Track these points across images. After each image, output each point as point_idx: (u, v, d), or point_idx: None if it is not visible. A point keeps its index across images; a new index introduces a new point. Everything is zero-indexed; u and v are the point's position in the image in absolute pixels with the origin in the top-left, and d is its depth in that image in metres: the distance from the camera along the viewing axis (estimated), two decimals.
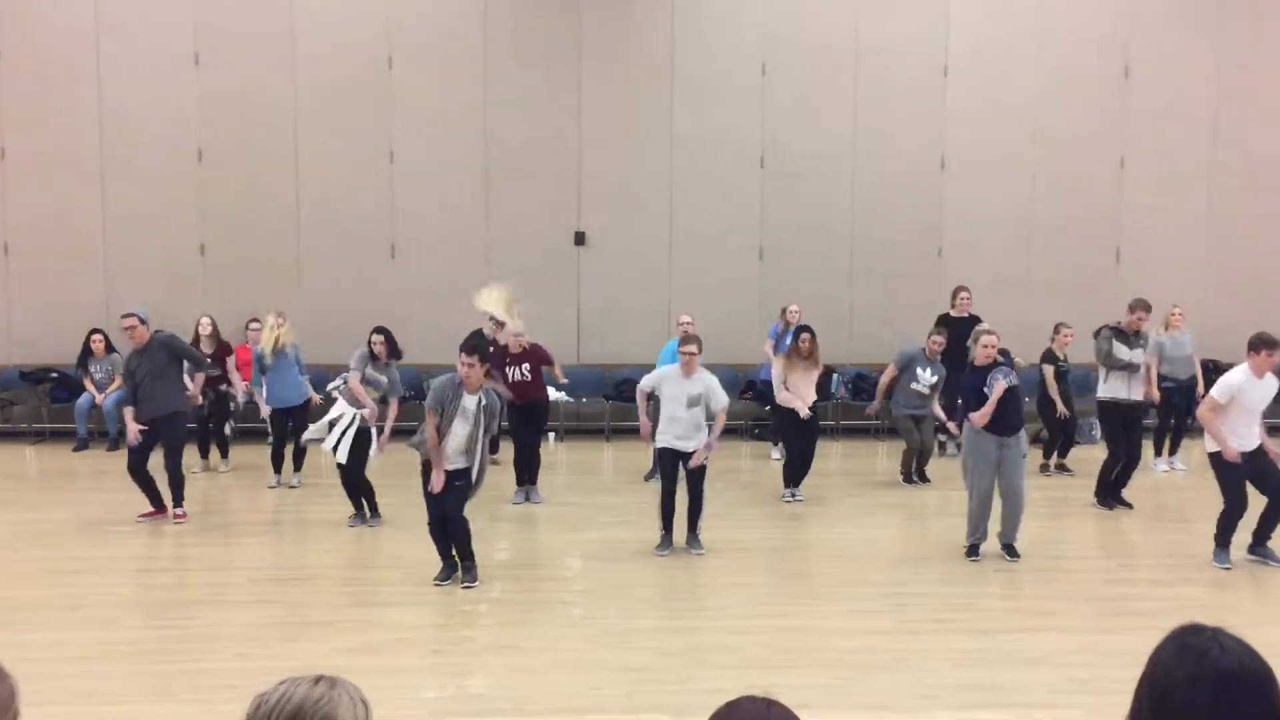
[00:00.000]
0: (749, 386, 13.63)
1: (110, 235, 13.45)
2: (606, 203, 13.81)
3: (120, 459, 11.95)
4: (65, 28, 13.22)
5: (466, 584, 7.58)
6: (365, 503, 9.31)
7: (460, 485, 7.66)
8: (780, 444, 11.94)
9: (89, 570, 8.00)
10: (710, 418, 8.61)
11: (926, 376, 11.01)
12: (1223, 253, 14.07)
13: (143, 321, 9.19)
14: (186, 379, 9.99)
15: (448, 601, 7.36)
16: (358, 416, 9.12)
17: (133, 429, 9.17)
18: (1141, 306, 10.23)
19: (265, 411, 10.97)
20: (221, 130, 13.42)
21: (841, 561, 8.49)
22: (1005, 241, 14.01)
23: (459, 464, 7.63)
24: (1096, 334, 10.30)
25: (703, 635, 6.74)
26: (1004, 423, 8.18)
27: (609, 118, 13.75)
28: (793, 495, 10.26)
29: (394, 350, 9.48)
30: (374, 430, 9.20)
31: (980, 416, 8.17)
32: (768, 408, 13.21)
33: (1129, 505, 9.95)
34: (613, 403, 13.45)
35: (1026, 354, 13.28)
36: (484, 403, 7.61)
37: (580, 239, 13.85)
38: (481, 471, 7.74)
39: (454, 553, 7.69)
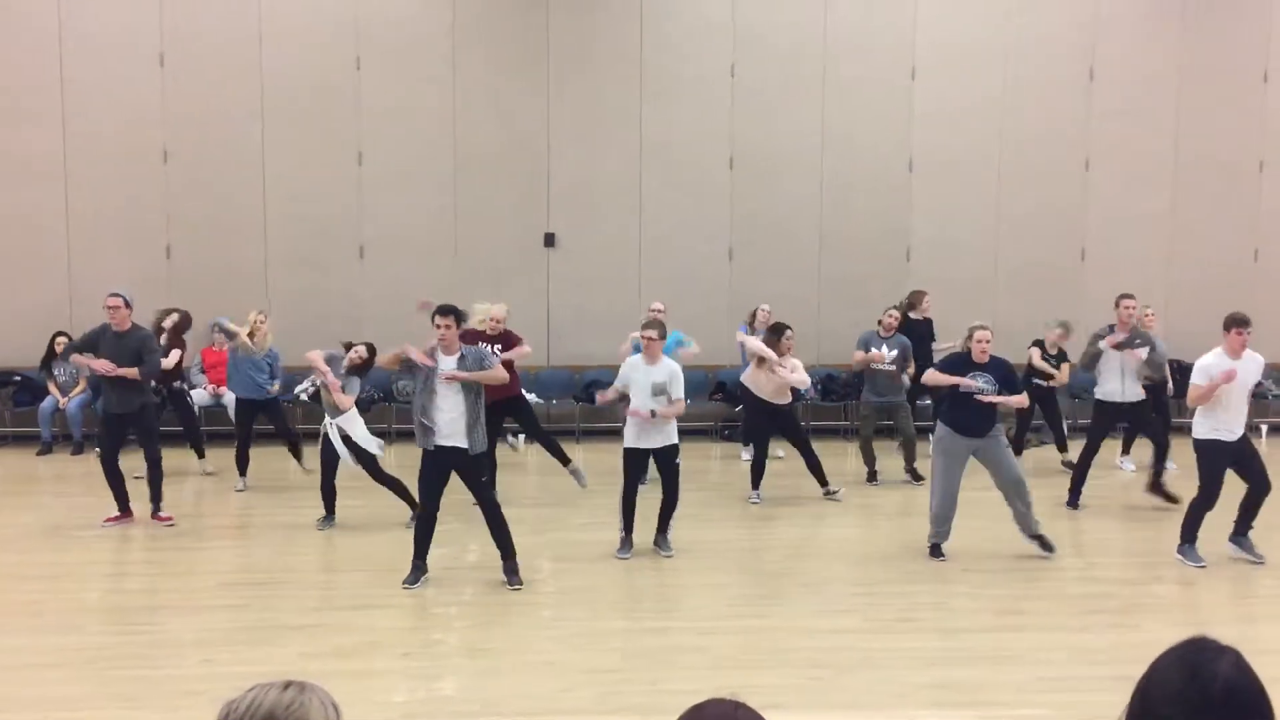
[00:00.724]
0: (719, 387, 13.66)
1: (74, 237, 13.31)
2: (575, 204, 13.80)
3: (85, 463, 11.88)
4: (28, 28, 13.07)
5: (515, 585, 7.56)
6: (404, 498, 9.24)
7: (476, 471, 7.63)
8: (750, 445, 12.00)
9: (52, 575, 7.91)
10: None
11: (886, 354, 11.07)
12: (1185, 251, 14.23)
13: (127, 304, 8.98)
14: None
15: (418, 604, 7.33)
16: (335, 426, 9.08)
17: (100, 363, 8.86)
18: (1125, 296, 10.08)
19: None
20: (187, 132, 13.30)
21: (811, 561, 8.52)
22: (972, 241, 14.11)
23: (459, 441, 7.49)
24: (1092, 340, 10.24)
25: (672, 636, 6.74)
26: (974, 425, 8.17)
27: (578, 118, 13.74)
28: (758, 498, 10.30)
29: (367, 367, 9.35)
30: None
31: (931, 376, 8.38)
32: (738, 408, 13.27)
33: (1174, 499, 9.76)
34: (582, 404, 13.44)
35: (994, 354, 13.38)
36: (466, 357, 7.57)
37: (549, 240, 13.83)
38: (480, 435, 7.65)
39: (427, 557, 7.63)
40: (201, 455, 11.60)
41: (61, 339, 12.62)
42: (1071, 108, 14.10)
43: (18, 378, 13.18)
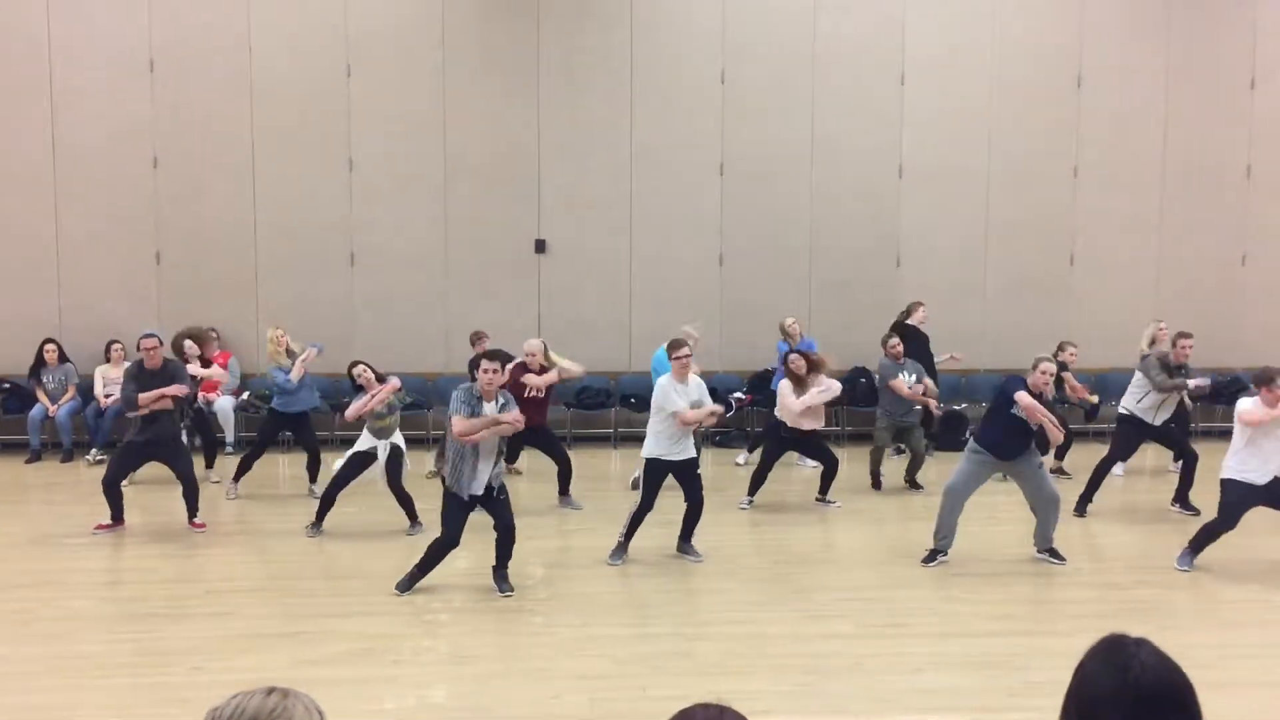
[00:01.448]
0: (710, 393, 13.65)
1: (64, 245, 13.27)
2: (566, 211, 13.80)
3: (74, 471, 11.85)
4: (17, 36, 13.04)
5: (507, 592, 7.65)
6: (408, 511, 9.37)
7: (503, 498, 7.77)
8: (750, 450, 12.04)
9: (41, 583, 7.89)
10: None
11: (908, 379, 11.16)
12: (1174, 256, 14.29)
13: (160, 343, 9.34)
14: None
15: (408, 612, 7.32)
16: (388, 445, 9.27)
17: (151, 396, 9.08)
18: (1184, 336, 10.21)
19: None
20: (177, 140, 13.28)
21: (800, 567, 8.53)
22: (961, 248, 14.15)
23: (481, 487, 7.64)
24: (1144, 358, 10.37)
25: (662, 642, 6.75)
26: (1008, 449, 8.24)
27: (568, 125, 13.75)
28: (749, 504, 10.37)
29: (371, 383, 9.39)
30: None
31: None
32: (729, 414, 13.30)
33: (1195, 510, 9.87)
34: (574, 410, 13.44)
35: (983, 359, 13.47)
36: (503, 404, 7.71)
37: (540, 247, 13.83)
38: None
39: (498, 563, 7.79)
40: (210, 465, 11.60)
41: (50, 346, 12.61)
42: (1060, 114, 14.15)
43: (6, 385, 13.11)
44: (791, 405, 10.05)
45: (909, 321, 12.39)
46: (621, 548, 8.51)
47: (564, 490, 10.40)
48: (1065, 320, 11.99)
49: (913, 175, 14.06)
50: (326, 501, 9.27)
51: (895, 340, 11.39)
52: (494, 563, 7.78)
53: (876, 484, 11.21)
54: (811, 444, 10.49)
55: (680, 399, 8.51)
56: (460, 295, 13.53)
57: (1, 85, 13.04)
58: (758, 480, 10.38)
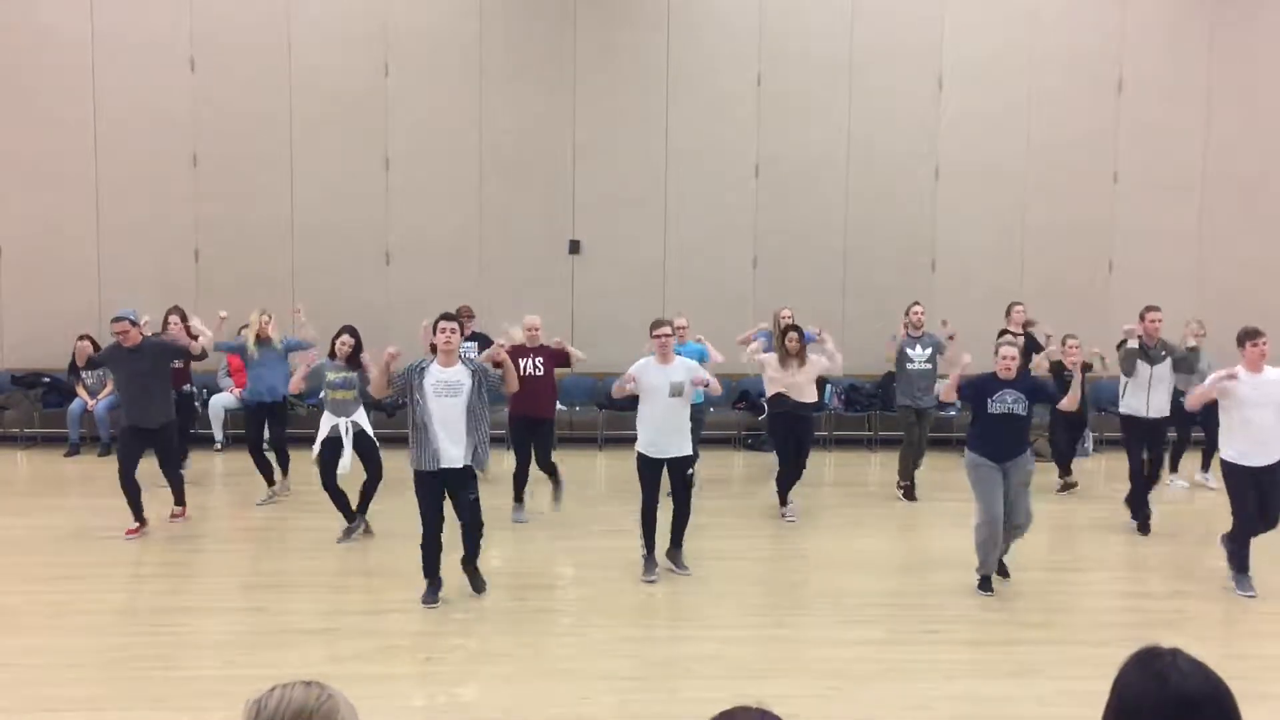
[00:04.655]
0: (742, 396, 13.64)
1: (104, 241, 13.44)
2: (601, 211, 13.82)
3: (112, 465, 11.93)
4: (60, 33, 13.22)
5: (479, 591, 7.58)
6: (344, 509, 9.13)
7: (473, 499, 7.45)
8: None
9: (78, 576, 7.98)
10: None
11: (918, 354, 10.92)
12: (1212, 266, 14.13)
13: (134, 324, 9.03)
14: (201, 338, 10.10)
15: (439, 610, 7.34)
16: (349, 425, 9.04)
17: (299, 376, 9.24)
18: (1151, 309, 9.91)
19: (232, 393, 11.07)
20: (217, 137, 13.42)
21: (832, 572, 8.48)
22: (998, 252, 14.05)
23: (454, 462, 7.28)
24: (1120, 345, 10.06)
25: (692, 645, 6.74)
26: (1001, 451, 7.71)
27: (604, 126, 13.77)
28: (786, 513, 10.02)
29: (355, 357, 9.15)
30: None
31: (948, 390, 8.04)
32: (760, 417, 13.25)
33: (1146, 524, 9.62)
34: (605, 411, 13.45)
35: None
36: (472, 368, 7.35)
37: (575, 247, 13.86)
38: (483, 446, 7.44)
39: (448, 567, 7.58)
40: (184, 457, 11.02)
41: (83, 343, 12.71)
42: (1100, 119, 14.02)
43: (47, 380, 13.31)
44: (770, 373, 9.93)
45: (1009, 327, 11.80)
46: (650, 561, 8.17)
47: (556, 494, 10.00)
48: (1103, 328, 11.82)
49: (949, 179, 13.98)
50: (335, 495, 9.04)
51: (918, 307, 11.07)
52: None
53: (910, 494, 10.83)
54: (803, 430, 10.06)
55: (657, 378, 8.03)
56: (494, 293, 13.56)
57: (44, 83, 13.22)
58: (785, 482, 10.07)
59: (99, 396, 12.73)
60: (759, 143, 13.87)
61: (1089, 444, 12.79)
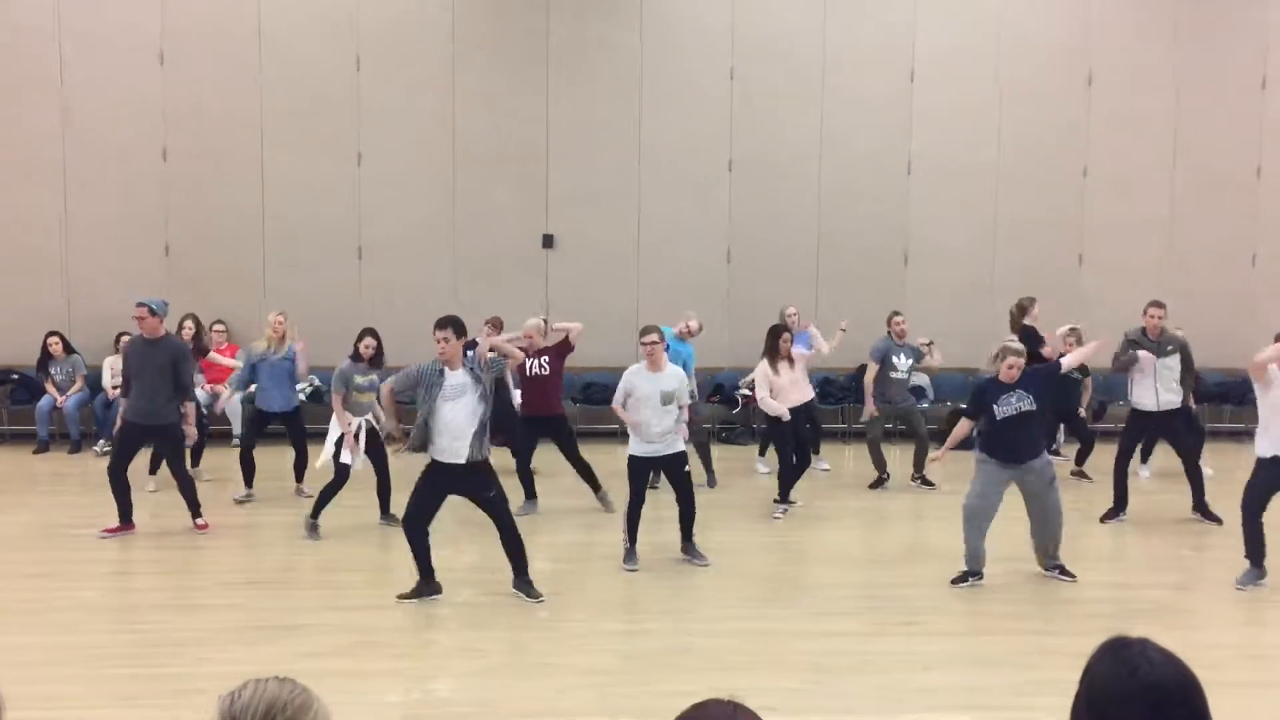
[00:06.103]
0: (716, 389, 13.67)
1: (72, 237, 13.31)
2: (574, 206, 13.81)
3: (82, 462, 11.87)
4: (26, 28, 13.08)
5: (538, 599, 7.31)
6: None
7: (494, 496, 7.30)
8: (762, 454, 11.90)
9: (50, 574, 7.91)
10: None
11: (902, 362, 11.00)
12: (1182, 258, 14.26)
13: (153, 313, 8.72)
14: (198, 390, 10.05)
15: (412, 605, 7.31)
16: (364, 422, 9.20)
17: (191, 431, 9.12)
18: (1155, 305, 9.89)
19: (224, 399, 11.02)
20: (187, 132, 13.31)
21: (808, 564, 8.52)
22: (970, 246, 14.13)
23: (459, 456, 7.12)
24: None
25: (668, 638, 6.75)
26: (1015, 450, 7.60)
27: (577, 121, 13.75)
28: (783, 511, 9.91)
29: (378, 358, 9.42)
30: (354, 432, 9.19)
31: (944, 450, 8.12)
32: (735, 410, 13.30)
33: (1217, 519, 9.49)
34: (580, 405, 13.43)
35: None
36: (474, 367, 7.23)
37: (548, 242, 13.84)
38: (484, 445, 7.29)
39: (431, 567, 7.37)
40: (195, 463, 11.01)
41: (54, 339, 12.60)
42: (1069, 113, 14.13)
43: (15, 376, 13.18)
44: (770, 382, 9.74)
45: (1025, 321, 11.50)
46: (631, 553, 8.20)
47: (596, 487, 9.97)
48: (1074, 320, 11.91)
49: (921, 174, 14.05)
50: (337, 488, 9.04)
51: (900, 318, 11.11)
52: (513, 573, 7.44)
53: (883, 476, 10.94)
54: (800, 422, 10.01)
55: (648, 386, 8.08)
56: (468, 288, 13.53)
57: (12, 76, 13.08)
58: (787, 478, 9.96)
59: (68, 393, 12.62)
60: (732, 137, 13.89)
61: (1058, 445, 12.85)
